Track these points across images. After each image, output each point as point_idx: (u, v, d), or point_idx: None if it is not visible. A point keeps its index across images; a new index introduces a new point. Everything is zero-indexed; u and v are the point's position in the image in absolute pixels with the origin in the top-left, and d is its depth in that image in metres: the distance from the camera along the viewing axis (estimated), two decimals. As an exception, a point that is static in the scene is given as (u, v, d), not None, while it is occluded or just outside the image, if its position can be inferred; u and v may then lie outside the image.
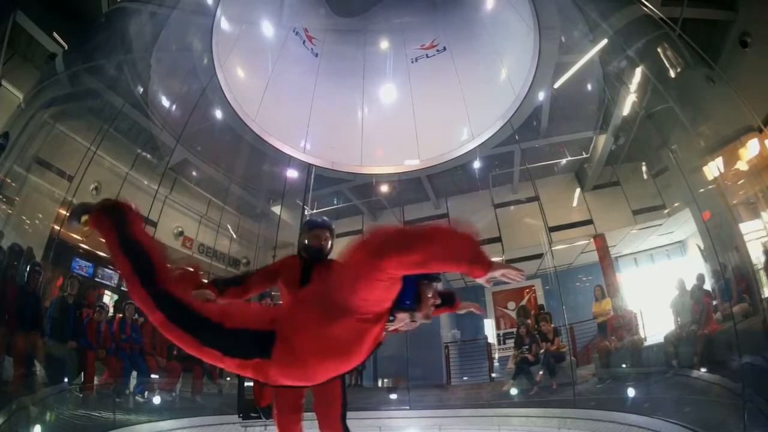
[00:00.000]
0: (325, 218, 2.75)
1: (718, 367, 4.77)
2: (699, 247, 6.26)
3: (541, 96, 7.44)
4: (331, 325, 1.39)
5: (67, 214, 1.78)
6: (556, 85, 7.16)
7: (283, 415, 2.44)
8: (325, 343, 1.41)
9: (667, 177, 6.73)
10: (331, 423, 2.48)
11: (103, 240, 1.56)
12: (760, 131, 4.96)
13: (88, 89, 6.05)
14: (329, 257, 2.65)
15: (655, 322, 6.52)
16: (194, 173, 8.68)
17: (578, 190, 8.80)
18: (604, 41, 6.24)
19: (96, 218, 1.63)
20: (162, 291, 1.39)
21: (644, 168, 7.64)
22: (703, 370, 5.00)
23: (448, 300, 2.05)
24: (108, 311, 6.33)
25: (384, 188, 9.53)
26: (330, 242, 2.64)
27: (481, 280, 1.39)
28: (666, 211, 7.39)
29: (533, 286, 10.29)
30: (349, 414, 2.54)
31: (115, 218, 1.55)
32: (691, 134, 5.53)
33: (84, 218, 1.67)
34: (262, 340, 1.39)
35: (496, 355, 9.55)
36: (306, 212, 8.60)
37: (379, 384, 8.24)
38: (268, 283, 2.56)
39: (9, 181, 5.24)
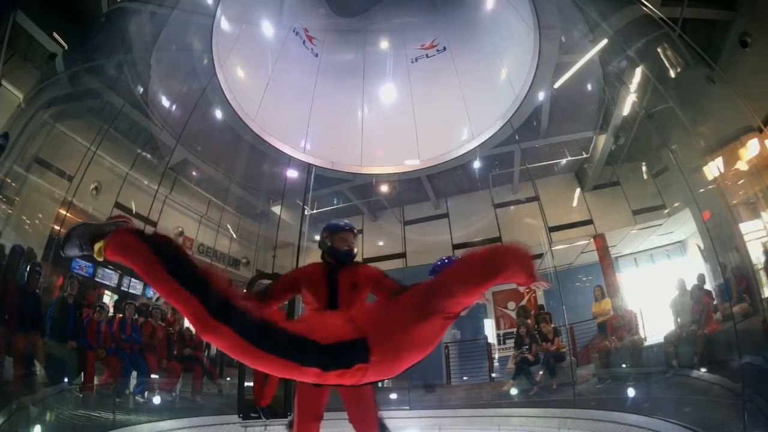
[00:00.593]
0: (346, 221, 2.72)
1: (718, 367, 4.76)
2: (699, 247, 6.26)
3: (541, 96, 7.43)
4: (425, 324, 1.61)
5: (62, 241, 1.51)
6: (556, 85, 7.16)
7: (305, 422, 2.44)
8: (417, 340, 1.62)
9: (667, 177, 6.72)
10: (370, 426, 2.49)
11: (137, 269, 1.36)
12: (760, 131, 4.95)
13: (88, 89, 6.04)
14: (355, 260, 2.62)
15: (655, 322, 6.52)
16: (194, 173, 8.67)
17: (578, 190, 8.79)
18: (604, 41, 6.23)
19: (122, 244, 1.41)
20: (243, 316, 1.37)
21: (644, 168, 7.62)
22: (703, 370, 5.00)
23: None
24: (108, 311, 6.32)
25: (384, 188, 9.53)
26: (355, 245, 2.61)
27: (522, 288, 1.66)
28: (666, 211, 7.37)
29: (533, 286, 10.28)
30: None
31: (152, 244, 1.37)
32: (691, 134, 5.52)
33: (98, 245, 1.43)
34: (359, 347, 1.51)
35: (496, 355, 9.52)
36: (306, 212, 8.59)
37: (379, 384, 8.22)
38: (290, 293, 2.55)
39: (9, 181, 5.24)
